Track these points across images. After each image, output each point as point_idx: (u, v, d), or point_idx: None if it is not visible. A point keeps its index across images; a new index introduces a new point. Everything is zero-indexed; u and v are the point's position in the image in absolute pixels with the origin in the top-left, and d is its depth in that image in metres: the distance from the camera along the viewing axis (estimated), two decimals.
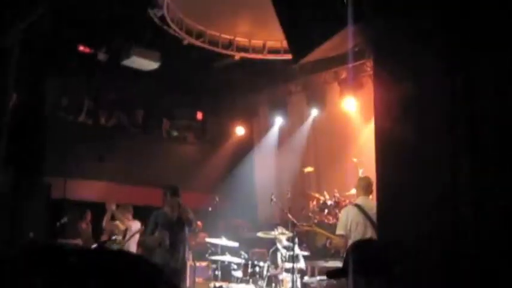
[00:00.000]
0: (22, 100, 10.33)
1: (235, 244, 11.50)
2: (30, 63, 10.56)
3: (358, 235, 7.94)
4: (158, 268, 1.20)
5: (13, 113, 9.73)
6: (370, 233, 7.83)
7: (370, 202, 8.31)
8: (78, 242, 12.55)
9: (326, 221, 11.52)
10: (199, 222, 12.77)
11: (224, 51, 12.68)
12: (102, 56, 12.39)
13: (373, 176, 8.02)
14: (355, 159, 11.63)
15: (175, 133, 16.77)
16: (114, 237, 11.59)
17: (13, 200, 9.98)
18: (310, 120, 14.77)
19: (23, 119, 10.35)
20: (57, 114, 14.04)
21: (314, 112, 14.56)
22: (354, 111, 13.46)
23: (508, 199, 3.76)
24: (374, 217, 7.53)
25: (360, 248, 3.18)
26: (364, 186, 8.55)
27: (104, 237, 11.83)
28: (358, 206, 8.32)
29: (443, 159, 4.34)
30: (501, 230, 3.86)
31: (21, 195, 10.17)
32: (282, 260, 10.68)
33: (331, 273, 3.26)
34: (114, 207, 11.04)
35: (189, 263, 12.25)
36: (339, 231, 8.38)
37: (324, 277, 10.55)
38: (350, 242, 7.90)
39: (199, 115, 17.03)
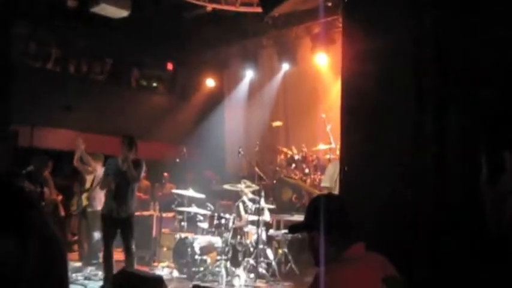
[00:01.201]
0: None
1: (202, 196, 11.55)
2: None
3: None
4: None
5: None
6: None
7: None
8: (44, 190, 12.49)
9: (293, 175, 11.61)
10: (165, 173, 12.80)
11: (196, 2, 12.52)
12: (71, 3, 12.16)
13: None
14: (323, 115, 11.66)
15: (144, 83, 16.64)
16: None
17: None
18: (280, 74, 14.75)
19: None
20: (25, 61, 13.81)
21: (285, 67, 14.52)
22: (325, 67, 13.45)
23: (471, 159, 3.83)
24: None
25: (319, 201, 3.17)
26: None
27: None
28: None
29: (407, 113, 4.38)
30: (463, 194, 3.93)
31: None
32: (247, 213, 10.77)
33: (293, 228, 3.26)
34: (83, 147, 10.96)
35: (156, 213, 12.32)
36: (325, 183, 8.73)
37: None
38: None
39: (170, 66, 16.89)
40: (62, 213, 12.11)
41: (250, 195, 10.94)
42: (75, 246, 12.72)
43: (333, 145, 11.32)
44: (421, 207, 4.13)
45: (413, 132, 4.29)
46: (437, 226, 4.01)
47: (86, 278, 9.81)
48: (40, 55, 14.43)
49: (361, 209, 3.84)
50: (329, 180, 8.67)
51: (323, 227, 2.94)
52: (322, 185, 9.01)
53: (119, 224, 8.75)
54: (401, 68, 4.47)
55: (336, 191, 8.31)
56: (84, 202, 11.34)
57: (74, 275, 9.87)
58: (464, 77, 4.05)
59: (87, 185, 11.44)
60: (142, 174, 9.24)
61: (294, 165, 11.84)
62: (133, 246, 8.81)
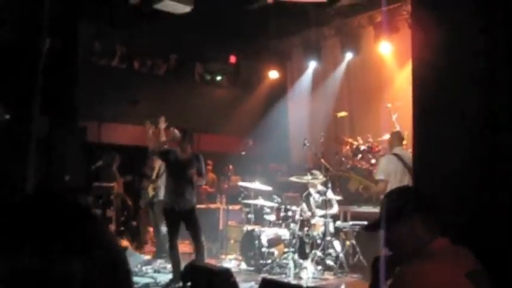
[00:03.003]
0: (55, 46, 10.34)
1: (268, 188, 11.56)
2: (63, 8, 10.54)
3: (396, 182, 8.16)
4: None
5: (47, 58, 9.77)
6: (407, 181, 8.04)
7: (407, 152, 8.60)
8: (113, 185, 12.74)
9: (359, 166, 11.50)
10: (230, 166, 12.85)
11: None
12: (134, 1, 12.30)
13: (408, 121, 8.02)
14: (389, 105, 11.50)
15: (208, 77, 16.74)
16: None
17: (49, 144, 10.10)
18: (344, 64, 14.61)
19: (57, 65, 10.38)
20: (91, 60, 14.08)
21: (348, 56, 14.38)
22: (389, 56, 13.26)
23: None
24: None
25: (393, 194, 3.12)
26: (399, 138, 9.15)
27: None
28: (396, 155, 8.70)
29: (481, 104, 4.26)
30: None
31: (57, 139, 10.29)
32: (314, 205, 10.72)
33: (369, 227, 3.17)
34: (162, 124, 11.14)
35: (222, 206, 12.39)
36: (379, 176, 8.77)
37: (356, 222, 10.61)
38: (389, 187, 8.13)
39: (233, 59, 16.94)
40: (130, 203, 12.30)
41: (319, 187, 10.88)
42: (148, 239, 12.96)
43: None
44: (499, 197, 4.02)
45: (486, 122, 4.17)
46: None
47: (155, 271, 9.96)
48: (105, 53, 14.70)
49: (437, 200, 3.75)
50: (383, 172, 8.70)
51: (406, 216, 2.88)
52: (376, 178, 9.00)
53: (181, 217, 8.82)
54: (471, 57, 4.34)
55: (392, 183, 8.28)
56: (151, 193, 11.49)
57: (143, 268, 10.03)
58: None
59: (154, 175, 11.59)
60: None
61: (360, 155, 11.70)
62: (203, 238, 8.89)
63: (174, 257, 8.86)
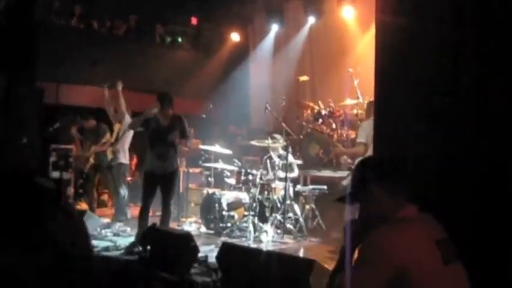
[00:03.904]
0: (11, 4, 10.06)
1: (229, 151, 11.54)
2: None
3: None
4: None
5: (2, 18, 9.52)
6: None
7: None
8: (71, 147, 12.55)
9: (320, 130, 11.52)
10: (191, 129, 12.78)
11: None
12: None
13: (369, 86, 8.03)
14: (350, 70, 11.50)
15: (168, 38, 16.51)
16: (103, 141, 11.63)
17: (6, 106, 9.90)
18: (306, 28, 14.52)
19: (14, 24, 10.12)
20: (48, 19, 13.75)
21: (311, 20, 14.29)
22: (352, 21, 13.23)
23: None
24: None
25: (357, 165, 3.15)
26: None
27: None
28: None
29: (442, 69, 4.27)
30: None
31: (14, 101, 10.08)
32: (275, 168, 10.74)
33: (340, 199, 3.17)
34: (120, 87, 10.99)
35: (182, 169, 12.33)
36: (360, 139, 8.82)
37: (316, 186, 10.67)
38: (369, 152, 8.31)
39: (194, 21, 16.72)
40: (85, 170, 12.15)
41: (280, 151, 10.89)
42: (107, 202, 12.88)
43: (361, 100, 11.20)
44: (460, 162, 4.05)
45: (448, 89, 4.19)
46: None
47: (114, 234, 9.90)
48: (64, 12, 14.36)
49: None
50: (364, 136, 8.73)
51: (368, 185, 2.91)
52: (358, 140, 9.03)
53: (160, 180, 8.82)
54: (433, 22, 4.34)
55: (370, 149, 8.35)
56: (109, 156, 11.38)
57: (103, 231, 9.97)
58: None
59: (113, 137, 11.46)
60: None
61: (320, 120, 11.72)
62: (170, 204, 8.92)
63: (143, 220, 8.82)
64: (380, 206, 2.88)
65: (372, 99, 9.47)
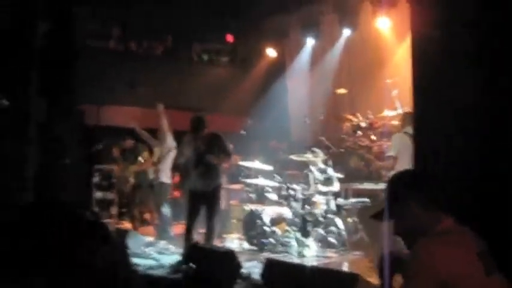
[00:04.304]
0: (51, 30, 10.27)
1: (269, 167, 11.55)
2: None
3: (406, 160, 8.30)
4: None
5: (42, 42, 9.70)
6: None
7: None
8: (114, 167, 12.73)
9: (360, 143, 11.46)
10: (231, 145, 12.84)
11: None
12: None
13: (408, 96, 8.00)
14: (388, 80, 11.44)
15: (205, 57, 16.66)
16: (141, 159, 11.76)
17: (48, 128, 10.07)
18: (342, 41, 14.48)
19: (53, 49, 10.33)
20: (87, 42, 13.99)
21: (346, 33, 14.25)
22: (387, 31, 13.15)
23: None
24: None
25: (392, 178, 3.16)
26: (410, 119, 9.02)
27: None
28: (408, 133, 8.75)
29: (479, 77, 4.23)
30: None
31: (56, 123, 10.26)
32: (315, 182, 10.71)
33: (376, 216, 3.17)
34: (160, 108, 11.10)
35: (223, 185, 12.39)
36: (390, 152, 9.00)
37: (358, 199, 10.59)
38: (398, 165, 8.49)
39: (230, 38, 16.84)
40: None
41: (320, 165, 10.85)
42: (149, 220, 12.99)
43: (399, 111, 11.11)
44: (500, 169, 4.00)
45: (486, 103, 4.15)
46: None
47: (158, 253, 9.96)
48: (102, 35, 14.61)
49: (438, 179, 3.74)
50: (394, 150, 8.88)
51: (402, 198, 2.91)
52: (387, 154, 9.17)
53: (202, 198, 8.92)
54: (469, 32, 4.30)
55: (402, 161, 8.38)
56: (152, 175, 11.49)
57: (147, 249, 10.04)
58: None
59: (155, 157, 11.57)
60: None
61: (360, 132, 11.66)
62: (214, 221, 8.99)
63: (188, 239, 8.92)
64: (415, 220, 2.87)
65: (408, 110, 9.53)
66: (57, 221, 1.13)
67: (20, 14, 9.10)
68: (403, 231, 2.95)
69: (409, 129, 8.84)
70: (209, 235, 8.94)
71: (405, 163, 8.25)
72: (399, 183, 3.04)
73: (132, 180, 11.85)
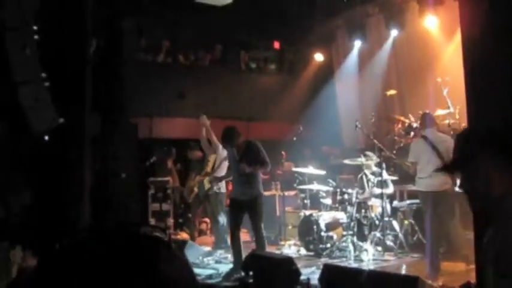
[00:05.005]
0: (101, 45, 10.50)
1: (322, 172, 11.55)
2: (106, 9, 10.69)
3: (424, 163, 8.75)
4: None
5: (94, 58, 9.91)
6: (434, 161, 8.48)
7: (436, 134, 9.08)
8: (168, 179, 12.89)
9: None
10: (283, 152, 12.86)
11: None
12: None
13: (459, 95, 7.93)
14: (439, 79, 11.32)
15: (253, 65, 16.74)
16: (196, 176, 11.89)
17: (103, 143, 10.27)
18: (390, 41, 14.38)
19: (104, 64, 10.54)
20: (137, 56, 14.22)
21: (393, 33, 14.14)
22: (435, 30, 13.00)
23: None
24: (440, 147, 8.56)
25: (461, 135, 2.90)
26: (430, 119, 9.45)
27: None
28: (423, 137, 9.08)
29: None
30: None
31: (110, 138, 10.46)
32: (370, 186, 10.67)
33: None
34: (208, 122, 11.18)
35: (278, 192, 12.43)
36: (410, 159, 9.20)
37: (413, 200, 10.48)
38: (418, 168, 8.89)
39: (277, 44, 16.88)
40: (189, 200, 12.38)
41: (373, 168, 10.81)
42: (206, 230, 13.11)
43: (451, 109, 11.00)
44: None
45: None
46: None
47: (216, 262, 10.06)
48: (151, 48, 14.84)
49: None
50: (412, 156, 9.12)
51: (473, 156, 2.56)
52: (408, 160, 9.32)
53: (243, 206, 9.02)
54: None
55: (422, 164, 8.82)
56: (207, 185, 11.57)
57: (205, 259, 10.14)
58: None
59: (209, 167, 11.65)
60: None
61: (412, 133, 11.55)
62: (262, 228, 9.04)
63: (235, 246, 9.04)
64: (490, 182, 2.50)
65: (426, 111, 9.71)
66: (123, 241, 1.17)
67: (70, 32, 9.32)
68: (474, 193, 2.60)
69: (427, 132, 9.14)
70: (258, 243, 9.02)
71: (424, 165, 8.69)
72: (475, 141, 2.64)
73: (195, 190, 11.93)
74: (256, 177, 9.19)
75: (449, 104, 11.03)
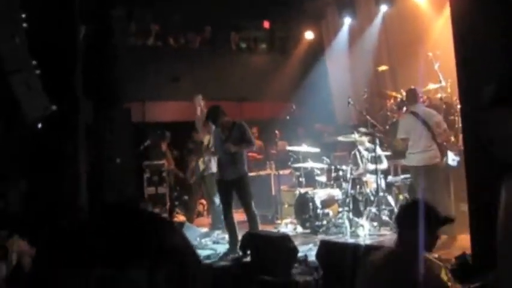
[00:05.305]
0: (91, 32, 10.46)
1: (316, 150, 11.59)
2: None
3: (416, 138, 9.03)
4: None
5: (83, 45, 9.89)
6: (425, 136, 8.89)
7: (424, 109, 9.46)
8: (163, 162, 12.92)
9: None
10: (276, 131, 12.88)
11: None
12: None
13: (450, 69, 7.98)
14: (430, 54, 11.34)
15: (244, 45, 16.71)
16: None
17: (96, 129, 10.28)
18: (379, 17, 14.37)
19: (94, 50, 10.52)
20: (127, 41, 14.17)
21: (383, 8, 14.13)
22: (425, 4, 13.02)
23: None
24: (430, 121, 8.91)
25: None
26: (414, 95, 9.63)
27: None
28: (413, 113, 9.28)
29: None
30: None
31: (104, 123, 10.46)
32: (364, 162, 10.72)
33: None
34: (202, 102, 11.20)
35: (273, 172, 12.47)
36: (400, 135, 9.42)
37: (407, 175, 10.54)
38: (409, 144, 9.14)
39: (266, 24, 16.85)
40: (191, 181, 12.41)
41: (367, 144, 10.85)
42: (202, 211, 13.17)
43: (443, 83, 11.03)
44: None
45: None
46: None
47: (214, 242, 10.13)
48: (140, 33, 14.80)
49: None
50: (403, 132, 9.35)
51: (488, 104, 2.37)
52: (398, 137, 9.54)
53: (231, 186, 9.06)
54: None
55: (414, 139, 9.10)
56: (201, 166, 11.60)
57: (202, 240, 10.21)
58: None
59: (204, 148, 11.69)
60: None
61: (405, 108, 11.59)
62: (253, 207, 9.08)
63: (229, 226, 9.12)
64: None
65: (411, 87, 9.83)
66: (130, 218, 1.20)
67: (59, 20, 9.29)
68: (497, 143, 2.41)
69: (415, 107, 9.36)
70: (251, 222, 9.09)
71: (416, 139, 8.97)
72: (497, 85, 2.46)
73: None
74: (241, 156, 9.23)
75: (440, 78, 11.05)
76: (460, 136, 8.94)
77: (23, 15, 8.09)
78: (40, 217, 7.91)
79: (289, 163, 12.15)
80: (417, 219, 3.43)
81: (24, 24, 8.19)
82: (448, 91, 10.95)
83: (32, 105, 8.48)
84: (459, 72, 5.03)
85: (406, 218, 3.69)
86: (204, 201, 12.90)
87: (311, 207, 10.57)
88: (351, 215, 10.14)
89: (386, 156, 10.92)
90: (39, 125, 8.60)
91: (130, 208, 1.23)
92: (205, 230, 11.18)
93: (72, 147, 9.76)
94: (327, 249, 7.00)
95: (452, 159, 9.11)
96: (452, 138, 9.86)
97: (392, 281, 3.47)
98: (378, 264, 3.74)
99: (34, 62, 8.37)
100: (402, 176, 10.80)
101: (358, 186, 10.56)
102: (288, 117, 12.75)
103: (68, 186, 9.64)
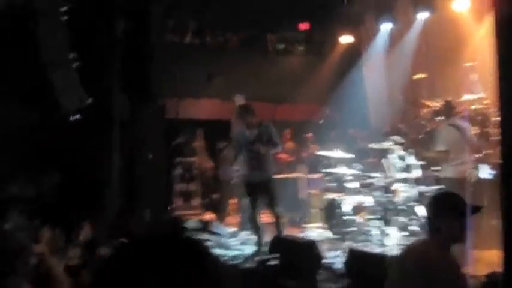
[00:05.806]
0: (129, 27, 10.55)
1: (349, 155, 11.52)
2: None
3: (458, 152, 8.94)
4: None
5: (121, 42, 9.98)
6: (467, 150, 8.87)
7: (463, 122, 9.34)
8: (195, 159, 12.98)
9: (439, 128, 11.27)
10: (309, 134, 12.82)
11: None
12: None
13: (488, 80, 7.89)
14: (468, 64, 11.21)
15: (281, 46, 16.68)
16: None
17: (131, 124, 10.36)
18: (418, 24, 14.21)
19: (132, 46, 10.60)
20: (164, 38, 14.25)
21: (423, 16, 13.97)
22: (465, 12, 12.84)
23: None
24: (469, 134, 8.94)
25: None
26: (451, 108, 9.63)
27: None
28: (453, 125, 9.19)
29: None
30: None
31: (138, 119, 10.55)
32: (396, 170, 10.62)
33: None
34: (243, 102, 11.21)
35: (303, 175, 12.44)
36: (440, 147, 9.24)
37: (441, 186, 10.42)
38: (450, 158, 8.99)
39: (305, 26, 16.78)
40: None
41: (400, 152, 10.74)
42: (232, 211, 13.20)
43: (482, 94, 10.89)
44: None
45: None
46: None
47: (241, 243, 10.13)
48: (178, 30, 14.86)
49: None
50: (444, 144, 9.16)
51: None
52: (437, 149, 9.36)
53: (257, 188, 9.05)
54: None
55: (455, 153, 8.95)
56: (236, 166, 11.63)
57: (230, 240, 10.22)
58: None
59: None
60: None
61: (439, 118, 11.47)
62: (277, 210, 9.07)
63: (253, 227, 9.11)
64: None
65: (450, 99, 9.68)
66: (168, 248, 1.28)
67: (98, 14, 9.38)
68: None
69: (454, 120, 9.23)
70: (276, 224, 9.09)
71: (457, 154, 8.84)
72: None
73: None
74: (269, 158, 9.21)
75: (477, 89, 10.93)
76: (497, 149, 8.82)
77: (64, 8, 8.20)
78: (72, 209, 8.00)
79: (320, 167, 12.10)
80: (448, 208, 3.76)
81: (65, 17, 8.29)
82: (484, 103, 10.81)
83: (68, 98, 8.59)
84: (500, 84, 4.95)
85: (437, 206, 3.93)
86: (234, 201, 12.93)
87: (340, 213, 10.51)
88: (380, 223, 10.06)
89: (420, 166, 10.80)
90: (75, 117, 8.70)
91: (179, 236, 1.35)
92: (233, 229, 11.19)
93: (106, 141, 9.88)
94: (355, 258, 6.97)
95: (487, 172, 9.02)
96: (490, 151, 9.71)
97: (420, 267, 3.64)
98: (408, 250, 4.03)
99: (73, 55, 8.47)
100: (435, 187, 10.66)
101: (388, 195, 10.47)
102: (321, 121, 12.70)
103: (101, 179, 9.76)
